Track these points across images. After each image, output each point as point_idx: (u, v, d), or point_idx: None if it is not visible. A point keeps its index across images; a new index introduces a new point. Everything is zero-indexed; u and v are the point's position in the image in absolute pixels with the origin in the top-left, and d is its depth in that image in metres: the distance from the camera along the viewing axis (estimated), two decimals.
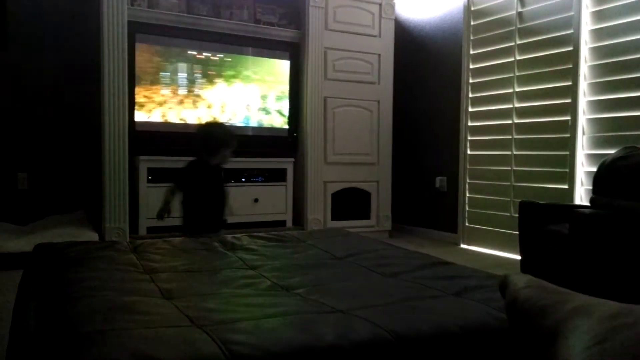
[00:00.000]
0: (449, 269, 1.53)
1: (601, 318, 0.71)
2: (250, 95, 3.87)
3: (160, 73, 3.57)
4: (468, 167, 3.99)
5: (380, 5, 4.19)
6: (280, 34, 3.96)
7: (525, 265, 2.42)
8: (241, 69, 3.83)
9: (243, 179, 3.77)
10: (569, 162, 3.22)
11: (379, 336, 0.95)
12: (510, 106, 3.63)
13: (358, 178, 4.16)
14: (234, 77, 3.81)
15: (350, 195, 4.14)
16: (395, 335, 0.95)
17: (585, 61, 3.17)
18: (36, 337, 1.00)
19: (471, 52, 3.96)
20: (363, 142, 4.17)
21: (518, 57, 3.59)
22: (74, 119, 3.85)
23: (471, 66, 3.97)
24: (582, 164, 3.18)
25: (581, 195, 3.18)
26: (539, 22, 3.45)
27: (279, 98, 3.97)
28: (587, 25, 3.16)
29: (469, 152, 3.99)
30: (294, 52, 4.01)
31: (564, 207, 2.35)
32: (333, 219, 4.06)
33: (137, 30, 3.46)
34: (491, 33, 3.80)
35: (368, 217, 4.21)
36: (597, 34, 3.12)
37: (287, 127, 4.01)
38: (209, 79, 3.73)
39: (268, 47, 3.92)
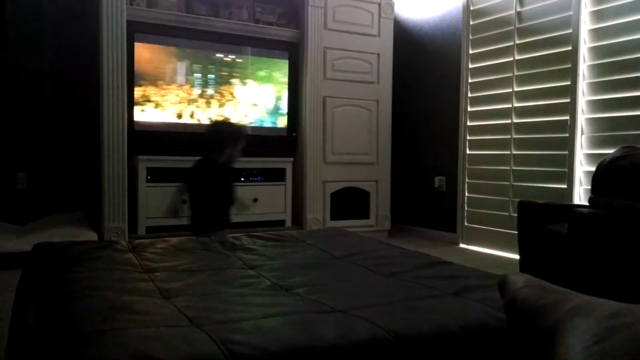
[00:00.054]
0: (448, 268, 1.53)
1: (600, 318, 0.71)
2: (249, 95, 3.87)
3: (159, 73, 3.57)
4: (467, 166, 4.00)
5: (379, 4, 4.19)
6: (280, 34, 3.96)
7: (524, 265, 2.43)
8: (240, 69, 3.83)
9: (242, 179, 3.77)
10: (568, 161, 3.23)
11: (379, 336, 0.95)
12: (509, 106, 3.63)
13: (357, 178, 4.16)
14: (233, 76, 3.81)
15: (350, 195, 4.15)
16: (396, 336, 0.95)
17: (584, 61, 3.18)
18: (35, 337, 1.00)
19: (470, 51, 3.97)
20: (362, 142, 4.17)
21: (517, 57, 3.59)
22: (73, 118, 3.84)
23: (470, 66, 3.97)
24: (581, 163, 3.19)
25: (580, 195, 3.18)
26: (538, 21, 3.45)
27: (278, 98, 3.97)
28: (586, 25, 3.17)
29: (468, 151, 3.99)
30: (293, 52, 4.01)
31: (563, 207, 2.35)
32: (332, 218, 4.06)
33: (136, 29, 3.46)
34: (490, 33, 3.80)
35: (367, 216, 4.22)
36: (596, 33, 3.12)
37: (286, 126, 4.01)
38: (208, 79, 3.73)
39: (267, 47, 3.92)
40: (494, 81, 3.77)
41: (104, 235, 3.29)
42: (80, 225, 3.37)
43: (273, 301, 1.16)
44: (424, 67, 4.42)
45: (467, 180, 4.00)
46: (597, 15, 3.11)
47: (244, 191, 3.75)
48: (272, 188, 3.89)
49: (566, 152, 3.24)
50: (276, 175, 3.92)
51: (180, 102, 3.64)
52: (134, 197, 3.45)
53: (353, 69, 4.11)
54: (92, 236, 3.20)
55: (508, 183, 3.63)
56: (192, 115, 3.67)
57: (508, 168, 3.63)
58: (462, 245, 4.01)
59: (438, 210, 4.28)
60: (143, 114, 3.52)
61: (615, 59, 3.01)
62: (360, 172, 4.17)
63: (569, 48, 3.23)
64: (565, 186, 3.25)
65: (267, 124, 3.95)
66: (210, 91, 3.74)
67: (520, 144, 3.56)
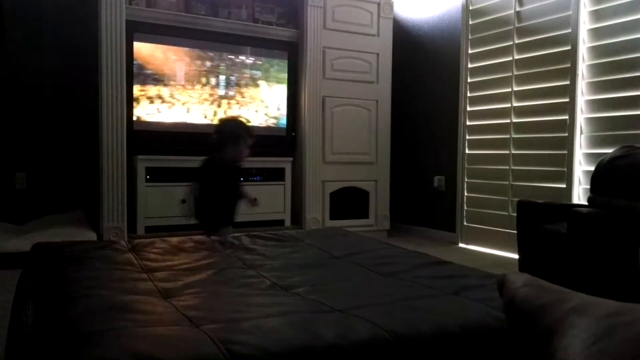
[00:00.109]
0: (448, 268, 1.53)
1: (599, 317, 0.71)
2: (249, 95, 3.86)
3: (158, 72, 3.57)
4: (466, 166, 4.00)
5: (378, 4, 4.19)
6: (279, 33, 3.95)
7: (523, 264, 2.43)
8: (240, 68, 3.83)
9: (242, 179, 3.76)
10: (567, 161, 3.23)
11: (378, 336, 0.95)
12: (509, 105, 3.63)
13: (356, 177, 4.16)
14: (232, 76, 3.80)
15: (349, 195, 4.15)
16: (395, 335, 0.95)
17: (583, 60, 3.18)
18: (35, 337, 1.00)
19: (469, 51, 3.97)
20: (361, 142, 4.17)
21: (516, 57, 3.59)
22: (72, 118, 3.84)
23: (469, 65, 3.97)
24: (580, 163, 3.19)
25: (579, 195, 3.18)
26: (537, 21, 3.46)
27: (277, 97, 3.97)
28: (585, 24, 3.17)
29: (467, 151, 3.99)
30: (293, 52, 4.00)
31: (562, 207, 2.35)
32: (331, 218, 4.06)
33: (136, 29, 3.46)
34: (489, 32, 3.80)
35: (366, 216, 4.22)
36: (595, 33, 3.12)
37: (285, 126, 4.01)
38: (207, 78, 3.72)
39: (266, 47, 3.92)
40: (493, 81, 3.77)
41: (103, 235, 3.29)
42: (79, 225, 3.36)
43: (273, 301, 1.16)
44: (423, 67, 4.42)
45: (466, 179, 4.01)
46: (596, 15, 3.11)
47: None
48: (272, 188, 3.89)
49: (565, 152, 3.24)
50: (275, 175, 3.92)
51: (179, 102, 3.63)
52: (133, 197, 3.45)
53: (352, 69, 4.11)
54: (91, 236, 3.19)
55: (507, 182, 3.63)
56: (191, 115, 3.67)
57: (507, 168, 3.63)
58: (461, 245, 4.01)
59: (437, 210, 4.29)
60: (142, 114, 3.52)
61: (614, 59, 3.01)
62: (359, 172, 4.17)
63: (568, 48, 3.24)
64: (564, 186, 3.25)
65: (267, 123, 3.95)
66: (209, 91, 3.73)
67: (520, 143, 3.56)
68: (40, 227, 3.28)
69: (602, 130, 3.08)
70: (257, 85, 3.89)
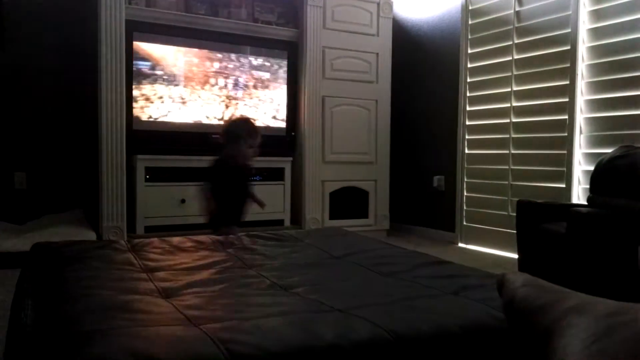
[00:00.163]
0: (447, 268, 1.54)
1: (598, 316, 0.71)
2: (248, 94, 3.86)
3: (158, 72, 3.57)
4: (466, 166, 4.00)
5: (378, 4, 4.19)
6: (279, 33, 3.95)
7: (522, 264, 2.43)
8: (240, 68, 3.83)
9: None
10: (567, 161, 3.23)
11: (378, 336, 0.95)
12: (508, 105, 3.63)
13: (356, 177, 4.16)
14: (232, 76, 3.80)
15: (348, 195, 4.15)
16: (395, 335, 0.95)
17: (583, 60, 3.18)
18: (34, 337, 1.00)
19: (469, 51, 3.97)
20: (361, 141, 4.17)
21: (516, 56, 3.59)
22: (71, 118, 3.84)
23: (469, 65, 3.97)
24: (580, 162, 3.19)
25: (578, 194, 3.19)
26: (536, 21, 3.46)
27: (276, 97, 3.97)
28: (584, 24, 3.17)
29: (466, 151, 4.00)
30: (292, 51, 4.00)
31: (561, 206, 2.35)
32: (331, 218, 4.06)
33: (135, 28, 3.45)
34: (489, 32, 3.80)
35: (366, 216, 4.22)
36: (595, 33, 3.12)
37: (284, 126, 4.01)
38: (207, 78, 3.72)
39: (266, 46, 3.92)
40: (492, 80, 3.77)
41: (103, 235, 3.29)
42: (78, 224, 3.36)
43: (272, 301, 1.16)
44: (422, 67, 4.42)
45: (465, 179, 4.01)
46: (596, 15, 3.11)
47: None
48: (271, 187, 3.89)
49: (565, 152, 3.24)
50: (275, 175, 3.92)
51: (178, 102, 3.63)
52: (133, 197, 3.44)
53: (352, 69, 4.11)
54: (91, 235, 3.19)
55: (507, 182, 3.64)
56: (191, 115, 3.67)
57: (507, 167, 3.64)
58: (460, 245, 4.01)
59: (437, 210, 4.29)
60: (142, 114, 3.52)
61: (613, 59, 3.01)
62: (359, 172, 4.17)
63: (568, 47, 3.24)
64: (563, 185, 3.25)
65: (266, 123, 3.95)
66: (209, 90, 3.73)
67: (519, 143, 3.57)
68: (40, 227, 3.28)
69: (601, 130, 3.08)
70: (256, 85, 3.88)
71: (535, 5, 3.46)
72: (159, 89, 3.57)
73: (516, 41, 3.59)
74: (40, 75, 3.75)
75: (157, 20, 3.54)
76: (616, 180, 2.03)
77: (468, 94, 3.98)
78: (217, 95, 3.76)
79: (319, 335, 0.93)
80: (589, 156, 3.12)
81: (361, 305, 1.11)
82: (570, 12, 3.23)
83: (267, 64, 3.93)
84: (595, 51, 3.12)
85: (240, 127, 2.71)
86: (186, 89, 3.65)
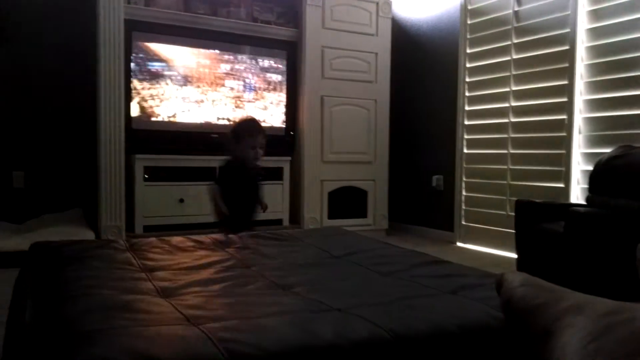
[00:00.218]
0: (446, 267, 1.54)
1: (596, 316, 0.72)
2: (247, 94, 3.86)
3: (157, 71, 3.56)
4: (464, 165, 4.00)
5: (377, 4, 4.19)
6: (278, 33, 3.95)
7: (521, 264, 2.44)
8: (239, 68, 3.83)
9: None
10: (565, 160, 3.23)
11: (377, 335, 0.95)
12: (507, 105, 3.64)
13: (355, 177, 4.16)
14: (231, 75, 3.80)
15: (347, 194, 4.15)
16: (394, 335, 0.96)
17: (582, 60, 3.18)
18: (33, 336, 1.00)
19: (468, 50, 3.97)
20: (360, 141, 4.17)
21: (515, 56, 3.59)
22: (70, 117, 3.83)
23: (468, 65, 3.97)
24: (578, 162, 3.20)
25: (577, 194, 3.19)
26: (535, 21, 3.46)
27: (276, 97, 3.97)
28: (583, 24, 3.17)
29: (465, 150, 4.00)
30: (291, 51, 4.00)
31: (560, 206, 2.36)
32: (330, 217, 4.06)
33: (134, 28, 3.45)
34: (488, 32, 3.80)
35: (365, 215, 4.22)
36: (594, 33, 3.13)
37: (284, 125, 4.01)
38: (206, 78, 3.72)
39: (265, 46, 3.92)
40: (491, 80, 3.77)
41: (102, 234, 3.29)
42: (77, 224, 3.36)
43: (272, 300, 1.16)
44: (421, 66, 4.42)
45: (464, 179, 4.01)
46: (595, 15, 3.12)
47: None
48: (270, 187, 3.87)
49: (563, 151, 3.25)
50: (274, 174, 3.92)
51: (177, 101, 3.63)
52: (132, 196, 3.44)
53: (351, 68, 4.11)
54: (90, 235, 3.19)
55: (505, 182, 3.64)
56: (190, 115, 3.67)
57: (505, 167, 3.64)
58: (459, 244, 4.01)
59: (435, 209, 4.29)
60: (140, 113, 3.52)
61: (612, 59, 3.01)
62: (358, 171, 4.17)
63: (567, 47, 3.24)
64: (562, 185, 3.26)
65: (265, 123, 3.95)
66: (208, 90, 3.73)
67: (518, 143, 3.57)
68: (39, 226, 3.28)
69: (600, 129, 3.08)
70: (256, 85, 3.88)
71: (534, 5, 3.47)
72: (159, 88, 3.57)
73: (515, 41, 3.59)
74: (39, 74, 3.75)
75: (156, 20, 3.54)
76: (615, 180, 2.04)
77: (467, 94, 3.98)
78: (217, 95, 3.76)
79: (318, 335, 0.93)
80: (588, 156, 3.13)
81: (360, 305, 1.11)
82: (569, 12, 3.23)
83: (266, 63, 3.93)
84: (594, 51, 3.12)
85: (241, 128, 2.70)
86: (185, 88, 3.65)
